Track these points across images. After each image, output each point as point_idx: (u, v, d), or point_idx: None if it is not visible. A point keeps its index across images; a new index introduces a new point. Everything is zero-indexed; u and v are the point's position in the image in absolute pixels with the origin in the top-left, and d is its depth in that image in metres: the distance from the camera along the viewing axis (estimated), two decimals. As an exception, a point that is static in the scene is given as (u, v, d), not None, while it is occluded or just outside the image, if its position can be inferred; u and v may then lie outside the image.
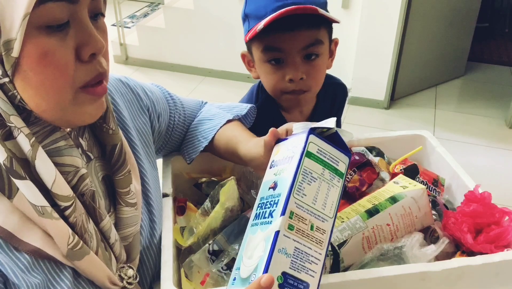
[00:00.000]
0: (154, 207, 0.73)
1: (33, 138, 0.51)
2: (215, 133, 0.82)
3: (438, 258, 0.66)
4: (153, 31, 3.51)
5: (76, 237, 0.54)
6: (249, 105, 0.88)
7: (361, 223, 0.67)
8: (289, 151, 0.57)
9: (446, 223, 0.72)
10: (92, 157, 0.62)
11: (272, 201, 0.52)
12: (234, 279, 0.51)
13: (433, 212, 0.76)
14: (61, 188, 0.53)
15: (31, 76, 0.48)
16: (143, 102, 0.76)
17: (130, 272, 0.63)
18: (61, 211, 0.54)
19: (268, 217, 0.51)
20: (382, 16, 2.79)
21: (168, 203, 0.77)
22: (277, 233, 0.48)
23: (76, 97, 0.52)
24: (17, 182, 0.50)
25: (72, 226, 0.54)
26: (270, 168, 0.59)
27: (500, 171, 2.52)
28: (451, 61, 3.37)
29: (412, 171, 0.81)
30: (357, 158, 0.81)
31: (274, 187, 0.53)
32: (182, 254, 0.74)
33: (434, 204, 0.78)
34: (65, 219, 0.54)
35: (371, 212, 0.68)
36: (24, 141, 0.50)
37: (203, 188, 0.86)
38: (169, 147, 0.87)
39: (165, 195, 0.78)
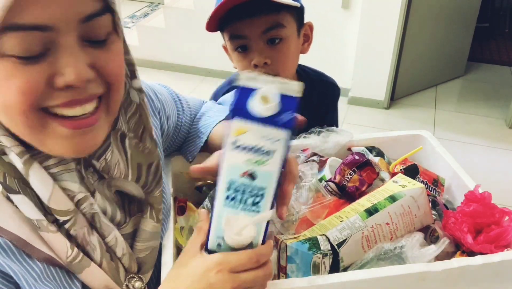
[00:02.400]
0: (166, 210, 0.72)
1: (26, 156, 0.50)
2: (212, 128, 0.81)
3: (438, 258, 0.66)
4: (153, 31, 3.51)
5: (75, 250, 0.53)
6: None
7: (360, 222, 0.67)
8: (264, 141, 0.52)
9: (446, 223, 0.72)
10: (106, 177, 0.58)
11: (252, 191, 0.54)
12: (220, 245, 0.55)
13: (433, 212, 0.76)
14: (59, 202, 0.52)
15: None
16: (155, 105, 0.75)
17: (138, 284, 0.62)
18: (61, 223, 0.53)
19: (253, 206, 0.54)
20: (382, 16, 2.79)
21: (168, 203, 0.77)
22: (268, 222, 0.55)
23: (46, 126, 0.48)
24: (12, 196, 0.50)
25: (73, 238, 0.54)
26: (237, 148, 0.53)
27: (500, 171, 2.52)
28: (451, 61, 3.37)
29: (412, 171, 0.81)
30: (357, 157, 0.81)
31: (251, 177, 0.53)
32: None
33: (434, 204, 0.78)
34: (66, 230, 0.53)
35: (371, 211, 0.68)
36: (16, 159, 0.50)
37: (204, 190, 0.86)
38: (174, 148, 0.87)
39: (165, 195, 0.78)
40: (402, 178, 0.75)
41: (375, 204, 0.69)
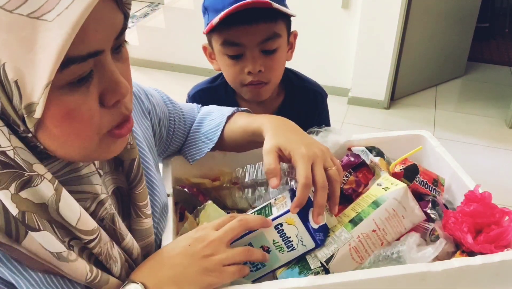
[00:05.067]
0: (161, 211, 0.72)
1: (56, 182, 0.48)
2: (222, 132, 0.82)
3: (438, 258, 0.66)
4: (153, 31, 3.51)
5: (94, 271, 0.53)
6: (244, 108, 0.89)
7: (346, 234, 0.66)
8: (297, 239, 0.64)
9: (446, 223, 0.71)
10: (102, 173, 0.59)
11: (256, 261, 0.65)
12: None
13: (433, 212, 0.76)
14: (86, 223, 0.51)
15: (55, 132, 0.46)
16: (145, 106, 0.76)
17: None
18: (85, 244, 0.52)
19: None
20: (382, 16, 2.79)
21: (169, 203, 0.76)
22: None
23: (101, 141, 0.51)
24: (32, 234, 0.48)
25: (96, 256, 0.54)
26: (277, 229, 0.64)
27: (500, 171, 2.52)
28: (451, 61, 3.37)
29: (412, 171, 0.81)
30: (352, 159, 0.81)
31: (266, 252, 0.64)
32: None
33: (434, 204, 0.78)
34: (89, 249, 0.53)
35: (355, 221, 0.67)
36: (47, 187, 0.47)
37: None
38: (170, 151, 0.87)
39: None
40: (385, 180, 0.74)
41: (359, 212, 0.68)
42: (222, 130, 0.82)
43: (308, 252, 0.64)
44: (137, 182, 0.61)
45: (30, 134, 0.46)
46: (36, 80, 0.41)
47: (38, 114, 0.43)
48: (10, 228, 0.48)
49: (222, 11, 0.86)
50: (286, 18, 0.94)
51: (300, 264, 0.64)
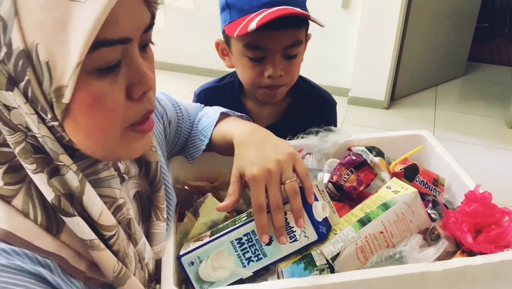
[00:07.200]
0: (173, 213, 0.72)
1: (81, 175, 0.49)
2: (213, 129, 0.82)
3: (438, 257, 0.66)
4: (153, 31, 3.49)
5: (120, 264, 0.53)
6: (241, 114, 0.88)
7: (353, 234, 0.65)
8: (299, 229, 0.63)
9: (446, 223, 0.71)
10: (126, 178, 0.59)
11: (258, 250, 0.64)
12: (192, 263, 0.65)
13: (433, 212, 0.76)
14: (107, 218, 0.51)
15: (81, 121, 0.46)
16: (158, 111, 0.77)
17: (158, 286, 0.63)
18: (105, 240, 0.52)
19: (245, 260, 0.64)
20: (382, 16, 2.80)
21: (168, 203, 0.77)
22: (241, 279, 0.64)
23: (124, 136, 0.50)
24: (66, 219, 0.48)
25: (115, 253, 0.54)
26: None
27: (500, 171, 2.52)
28: (451, 61, 3.37)
29: (412, 171, 0.81)
30: (354, 157, 0.81)
31: (269, 241, 0.63)
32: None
33: (434, 203, 0.78)
34: (109, 247, 0.53)
35: (363, 221, 0.67)
36: (73, 178, 0.48)
37: (194, 199, 0.86)
38: (174, 151, 0.88)
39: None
40: (395, 183, 0.74)
41: (367, 213, 0.68)
42: (214, 128, 0.82)
43: (310, 245, 0.64)
44: (160, 184, 0.62)
45: (57, 123, 0.46)
46: (67, 60, 0.42)
47: (66, 99, 0.43)
48: (52, 223, 0.49)
49: (249, 12, 0.85)
50: (307, 25, 0.94)
51: (306, 260, 0.64)
